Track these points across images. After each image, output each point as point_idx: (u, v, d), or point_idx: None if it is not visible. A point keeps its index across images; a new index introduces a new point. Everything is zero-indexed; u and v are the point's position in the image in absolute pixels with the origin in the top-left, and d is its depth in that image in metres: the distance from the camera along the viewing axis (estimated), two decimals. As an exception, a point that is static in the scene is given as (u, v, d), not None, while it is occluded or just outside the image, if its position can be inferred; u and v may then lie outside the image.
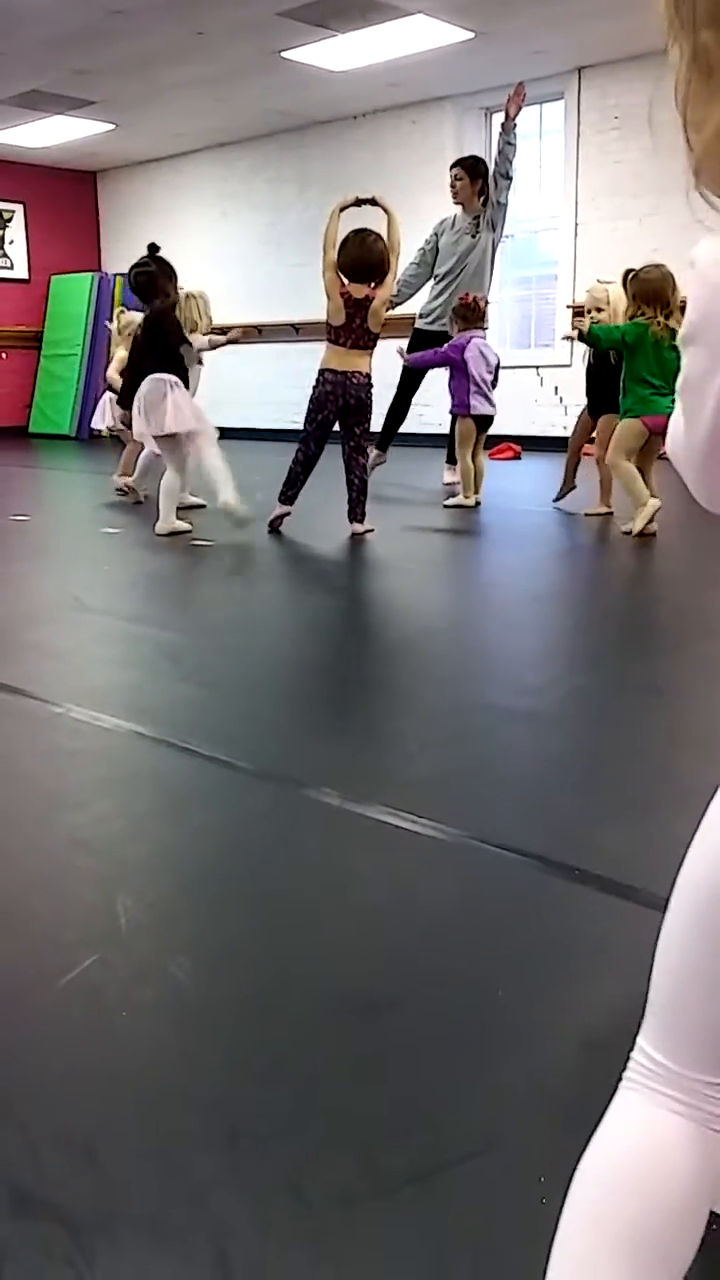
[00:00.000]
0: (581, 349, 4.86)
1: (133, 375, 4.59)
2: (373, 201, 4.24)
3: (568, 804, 1.74)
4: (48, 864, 1.55)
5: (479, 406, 5.11)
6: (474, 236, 5.67)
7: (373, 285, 4.16)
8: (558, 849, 1.54)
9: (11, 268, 10.28)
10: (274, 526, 4.39)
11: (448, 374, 5.19)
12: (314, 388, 4.28)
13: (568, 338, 4.96)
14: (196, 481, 4.70)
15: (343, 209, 4.21)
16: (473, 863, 1.53)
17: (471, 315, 5.12)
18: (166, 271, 4.38)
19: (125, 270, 10.01)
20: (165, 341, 4.34)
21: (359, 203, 4.24)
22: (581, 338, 4.22)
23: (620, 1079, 0.67)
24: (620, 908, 1.39)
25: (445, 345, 5.14)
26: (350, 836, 1.62)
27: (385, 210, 4.21)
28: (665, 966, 0.65)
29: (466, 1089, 1.06)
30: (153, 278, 4.33)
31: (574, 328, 4.28)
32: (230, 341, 4.78)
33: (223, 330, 5.00)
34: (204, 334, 4.87)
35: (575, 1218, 0.63)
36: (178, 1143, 0.98)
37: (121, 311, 5.67)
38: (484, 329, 5.22)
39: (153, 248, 4.43)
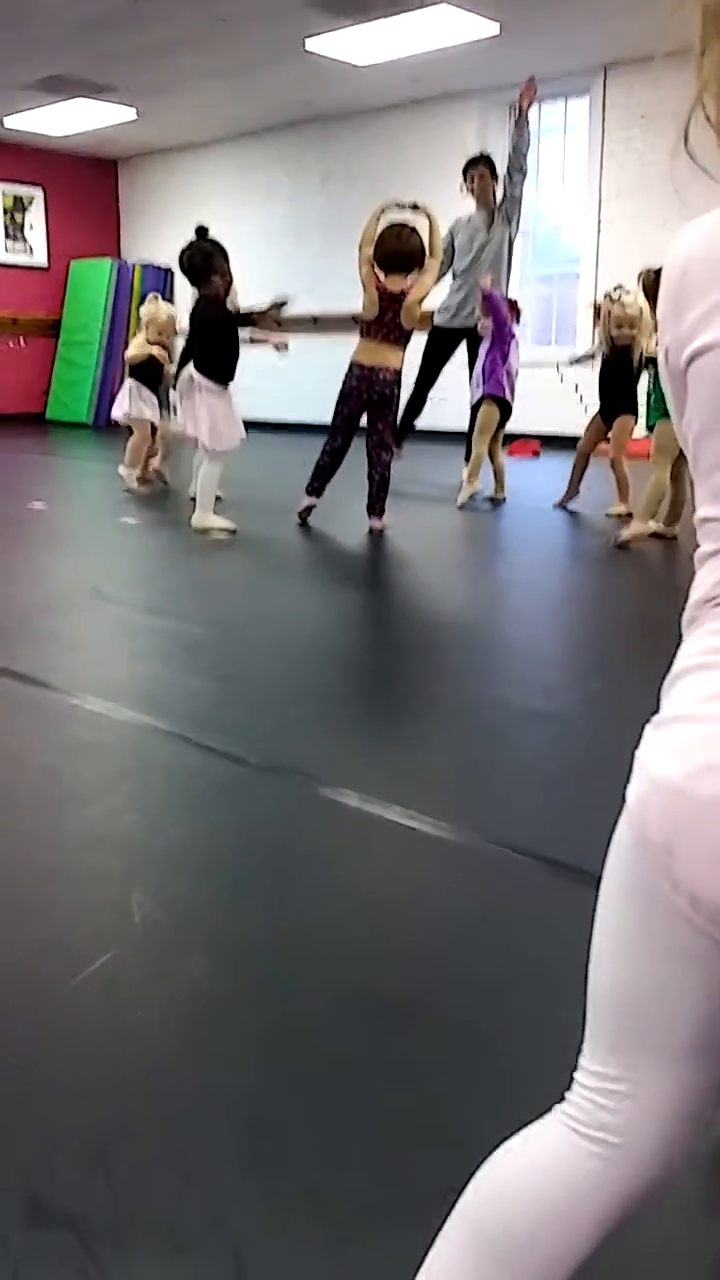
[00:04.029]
0: (597, 342, 4.80)
1: (182, 359, 4.54)
2: (415, 206, 4.21)
3: (587, 807, 1.71)
4: (64, 858, 1.54)
5: (509, 390, 5.09)
6: (489, 232, 5.64)
7: (408, 279, 4.13)
8: (579, 854, 1.52)
9: (31, 254, 10.27)
10: (302, 518, 4.37)
11: (484, 354, 5.14)
12: (343, 380, 4.26)
13: (581, 359, 5.00)
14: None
15: (383, 211, 4.18)
16: (494, 867, 1.51)
17: (511, 311, 5.16)
18: (222, 251, 4.32)
19: (146, 258, 10.06)
20: (209, 331, 4.23)
21: (401, 207, 4.21)
22: (654, 363, 4.14)
23: None
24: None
25: (493, 318, 5.08)
26: (368, 838, 1.60)
27: (427, 215, 4.18)
28: (594, 947, 0.65)
29: (489, 1097, 1.04)
30: (209, 257, 4.26)
31: (639, 358, 4.23)
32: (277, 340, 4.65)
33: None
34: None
35: (453, 1214, 0.66)
36: (194, 1148, 0.97)
37: (155, 298, 5.62)
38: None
39: (202, 230, 4.36)
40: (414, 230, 4.14)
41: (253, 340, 4.46)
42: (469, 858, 1.55)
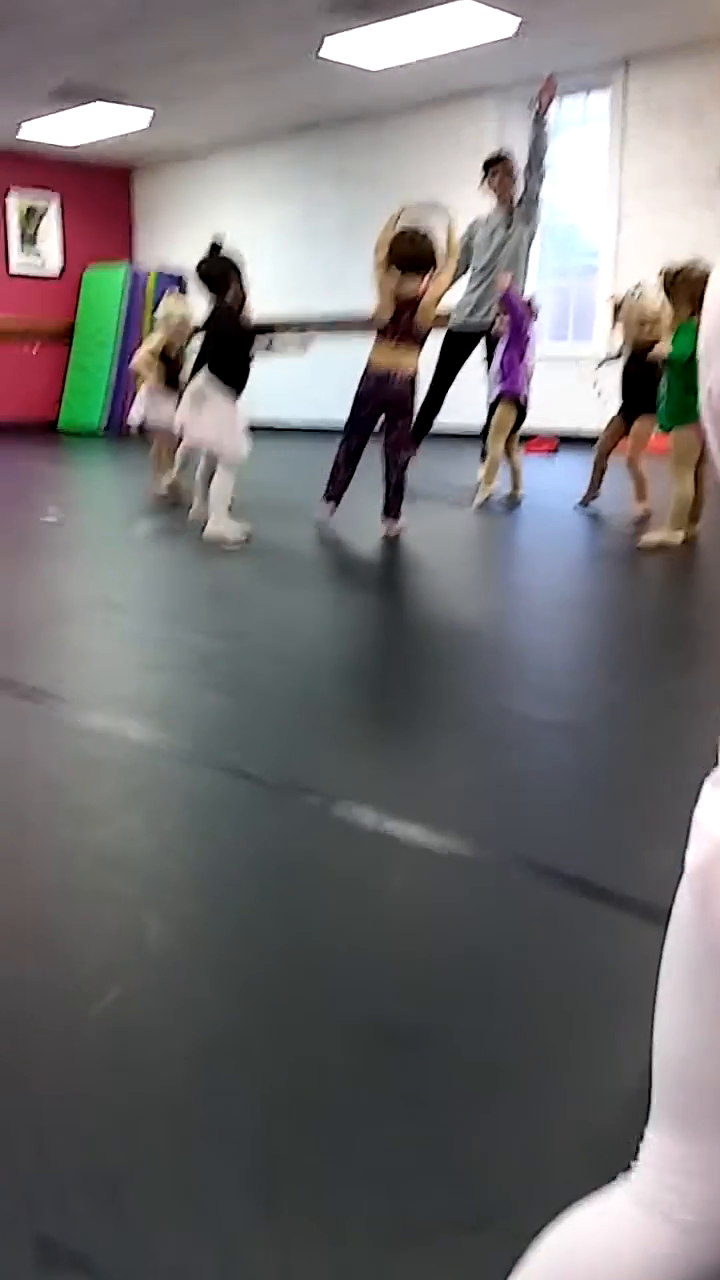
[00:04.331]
0: (618, 343, 4.74)
1: (195, 368, 4.54)
2: (435, 205, 4.18)
3: (610, 824, 1.68)
4: (77, 882, 1.51)
5: (525, 389, 5.04)
6: (508, 229, 5.60)
7: (423, 281, 4.10)
8: (602, 873, 1.48)
9: (44, 262, 10.29)
10: (320, 524, 4.34)
11: (501, 353, 5.09)
12: (360, 383, 4.24)
13: (606, 361, 4.90)
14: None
15: (401, 213, 4.16)
16: (514, 887, 1.48)
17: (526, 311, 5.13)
18: (236, 265, 4.32)
19: (160, 264, 10.06)
20: (225, 342, 4.25)
21: (422, 206, 4.18)
22: (669, 364, 4.02)
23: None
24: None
25: (510, 317, 5.03)
26: (385, 857, 1.57)
27: (447, 215, 4.16)
28: (658, 1020, 0.62)
29: (508, 1132, 1.01)
30: (226, 270, 4.26)
31: (658, 355, 4.09)
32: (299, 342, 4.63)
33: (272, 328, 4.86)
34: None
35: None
36: (207, 1186, 0.94)
37: (171, 292, 5.59)
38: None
39: (217, 243, 4.37)
40: (427, 234, 4.11)
41: (271, 347, 4.43)
42: (489, 877, 1.51)
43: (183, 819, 1.75)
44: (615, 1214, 0.61)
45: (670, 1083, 0.60)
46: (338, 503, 4.35)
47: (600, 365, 5.07)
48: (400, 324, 4.13)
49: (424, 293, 4.09)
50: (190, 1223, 0.90)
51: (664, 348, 3.94)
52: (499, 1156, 0.98)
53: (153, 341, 5.40)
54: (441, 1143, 0.99)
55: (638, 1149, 0.63)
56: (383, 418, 4.26)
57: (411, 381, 4.22)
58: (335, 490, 4.34)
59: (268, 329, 4.34)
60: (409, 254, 4.08)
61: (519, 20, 6.21)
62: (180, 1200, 0.93)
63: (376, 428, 4.32)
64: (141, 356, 5.40)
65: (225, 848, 1.64)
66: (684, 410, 3.97)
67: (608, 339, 6.28)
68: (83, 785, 1.86)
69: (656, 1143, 0.61)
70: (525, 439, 5.76)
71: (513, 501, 5.14)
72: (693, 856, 0.55)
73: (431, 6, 6.01)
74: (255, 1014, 1.20)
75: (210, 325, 4.32)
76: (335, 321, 8.49)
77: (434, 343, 4.82)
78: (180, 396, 5.00)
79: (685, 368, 3.90)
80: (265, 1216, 0.91)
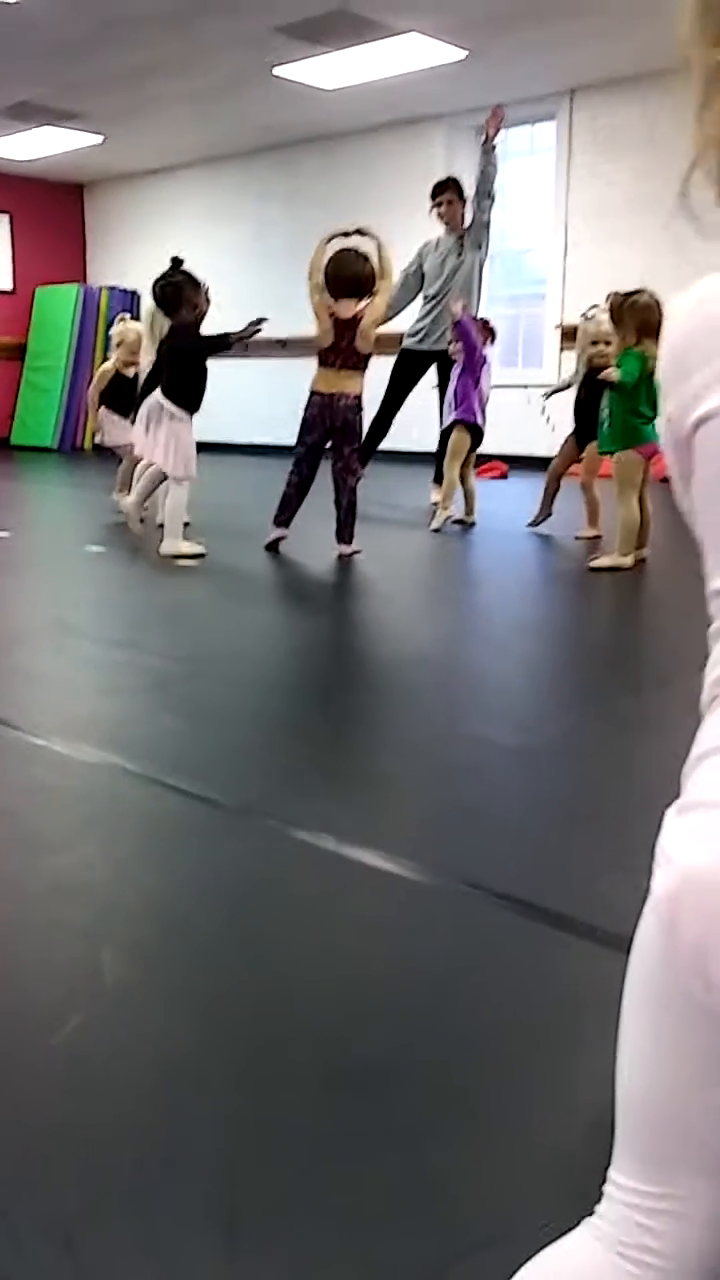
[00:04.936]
0: (569, 370, 4.81)
1: (148, 385, 4.52)
2: (360, 232, 4.20)
3: (570, 850, 1.69)
4: (28, 910, 1.49)
5: (480, 416, 5.08)
6: (459, 256, 5.66)
7: (360, 304, 4.12)
8: (563, 901, 1.49)
9: (-4, 277, 10.21)
10: (270, 548, 4.34)
11: (455, 379, 5.12)
12: (304, 410, 4.24)
13: (558, 390, 4.92)
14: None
15: (329, 239, 4.18)
16: (474, 915, 1.48)
17: (484, 333, 5.16)
18: (194, 283, 4.31)
19: (112, 282, 10.02)
20: (182, 359, 4.24)
21: (347, 234, 4.20)
22: (614, 387, 4.03)
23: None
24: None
25: (463, 344, 5.06)
26: (343, 883, 1.57)
27: (374, 238, 4.18)
28: (621, 1055, 0.60)
29: (474, 1168, 1.01)
30: (179, 289, 4.26)
31: (607, 378, 4.07)
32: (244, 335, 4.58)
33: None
34: None
35: None
36: (167, 1234, 0.92)
37: (123, 318, 5.60)
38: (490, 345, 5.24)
39: (176, 261, 4.36)
40: (364, 255, 4.13)
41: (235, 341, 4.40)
42: (446, 902, 1.51)
43: (139, 845, 1.73)
44: (583, 1257, 0.59)
45: (634, 1119, 0.59)
46: (287, 526, 4.35)
47: (549, 396, 5.13)
48: (341, 348, 4.14)
49: (362, 316, 4.11)
50: (153, 1266, 0.88)
51: (613, 374, 3.99)
52: (465, 1186, 0.98)
53: (108, 364, 5.42)
54: (406, 1173, 0.98)
55: (603, 1182, 0.61)
56: (330, 443, 4.27)
57: (357, 406, 4.23)
58: (286, 516, 4.34)
59: (222, 341, 4.32)
60: (345, 276, 4.09)
61: (466, 51, 6.32)
62: (140, 1248, 0.90)
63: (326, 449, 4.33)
64: (95, 383, 5.45)
65: (182, 873, 1.63)
66: (626, 434, 4.04)
67: (559, 367, 6.34)
68: (37, 812, 1.83)
69: (626, 1184, 0.59)
70: (477, 462, 5.82)
71: (466, 525, 5.19)
72: (658, 885, 0.54)
73: (380, 39, 6.10)
74: (214, 1042, 1.18)
75: (169, 342, 4.32)
76: (285, 340, 8.52)
77: (380, 366, 4.84)
78: (133, 414, 5.01)
79: (629, 392, 3.98)
80: (227, 1257, 0.89)
